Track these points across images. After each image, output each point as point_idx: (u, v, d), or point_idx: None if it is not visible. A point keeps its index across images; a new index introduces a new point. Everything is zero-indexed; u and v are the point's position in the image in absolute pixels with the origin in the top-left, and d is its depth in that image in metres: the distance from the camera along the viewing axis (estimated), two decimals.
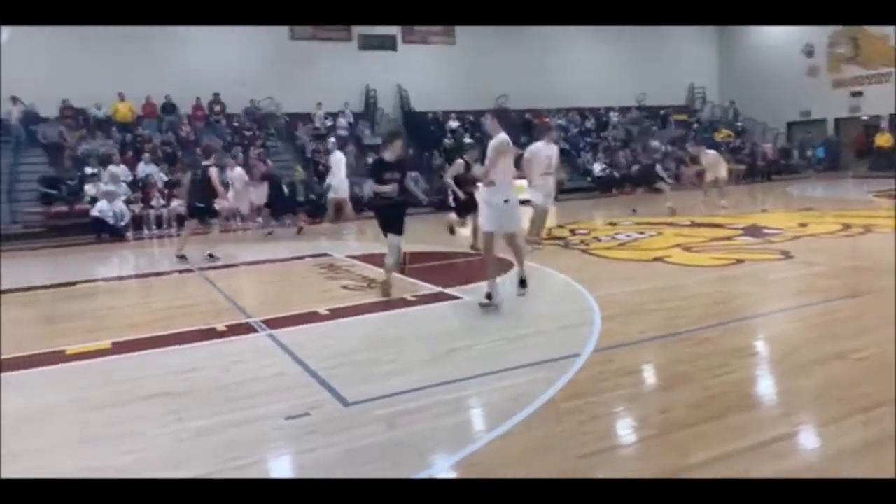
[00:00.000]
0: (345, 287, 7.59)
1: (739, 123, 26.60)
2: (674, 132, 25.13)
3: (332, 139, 18.62)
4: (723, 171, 14.37)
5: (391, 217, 6.90)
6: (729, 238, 9.83)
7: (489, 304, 6.10)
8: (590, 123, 24.80)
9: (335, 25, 21.84)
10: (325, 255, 10.14)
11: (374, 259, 8.93)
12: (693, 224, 11.76)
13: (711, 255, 8.42)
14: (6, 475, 3.05)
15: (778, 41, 25.86)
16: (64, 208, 15.77)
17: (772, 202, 16.47)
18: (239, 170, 14.86)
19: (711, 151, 15.09)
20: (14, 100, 17.58)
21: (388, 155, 6.97)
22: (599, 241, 10.42)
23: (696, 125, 26.11)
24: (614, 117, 25.21)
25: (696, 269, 7.74)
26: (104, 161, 16.78)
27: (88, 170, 16.44)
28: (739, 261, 7.96)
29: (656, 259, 8.40)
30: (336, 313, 6.29)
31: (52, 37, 17.04)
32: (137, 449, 3.46)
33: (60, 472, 3.21)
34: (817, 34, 24.55)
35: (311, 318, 6.15)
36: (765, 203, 16.21)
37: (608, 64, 25.49)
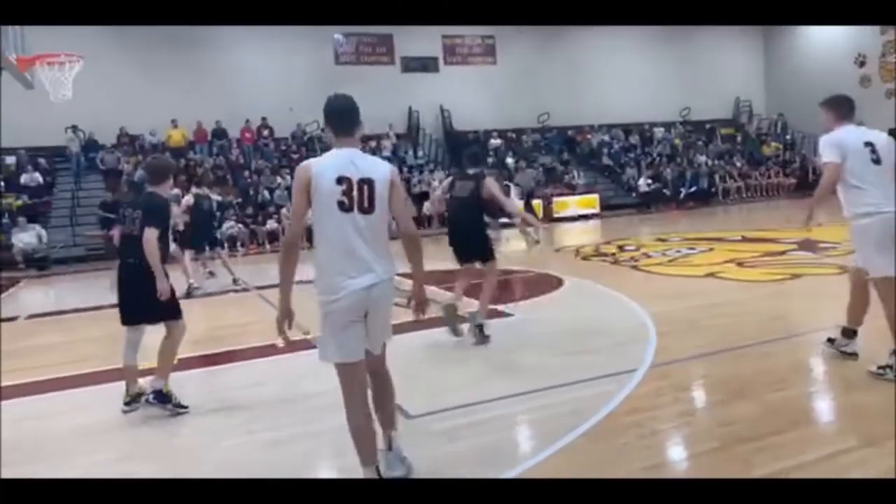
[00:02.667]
0: (397, 304, 7.70)
1: (788, 137, 26.10)
2: (720, 146, 24.81)
3: None
4: None
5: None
6: (783, 253, 9.67)
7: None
8: (634, 139, 24.66)
9: (376, 47, 22.27)
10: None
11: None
12: (744, 239, 11.59)
13: (765, 271, 8.30)
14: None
15: (827, 51, 25.34)
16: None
17: (825, 216, 16.06)
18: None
19: None
20: (74, 129, 18.45)
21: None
22: (649, 257, 10.36)
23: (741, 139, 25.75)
24: (658, 133, 25.02)
25: (750, 284, 7.65)
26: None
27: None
28: (795, 276, 7.83)
29: (709, 275, 8.32)
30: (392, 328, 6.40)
31: (109, 68, 17.81)
32: (212, 458, 3.63)
33: (139, 476, 3.39)
34: (869, 43, 24.00)
35: None
36: (818, 217, 15.81)
37: (651, 79, 25.33)
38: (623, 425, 3.71)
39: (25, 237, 15.17)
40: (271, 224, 17.32)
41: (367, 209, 2.89)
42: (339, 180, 2.86)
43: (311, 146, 20.99)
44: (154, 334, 4.61)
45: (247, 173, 19.32)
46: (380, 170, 3.00)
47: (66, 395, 5.03)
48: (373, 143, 21.48)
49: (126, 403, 4.48)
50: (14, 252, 14.87)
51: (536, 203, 18.50)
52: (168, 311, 4.44)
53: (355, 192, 2.87)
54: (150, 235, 4.28)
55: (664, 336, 5.48)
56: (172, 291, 4.45)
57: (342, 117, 3.10)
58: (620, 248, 11.67)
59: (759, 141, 25.87)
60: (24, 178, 17.41)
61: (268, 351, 5.88)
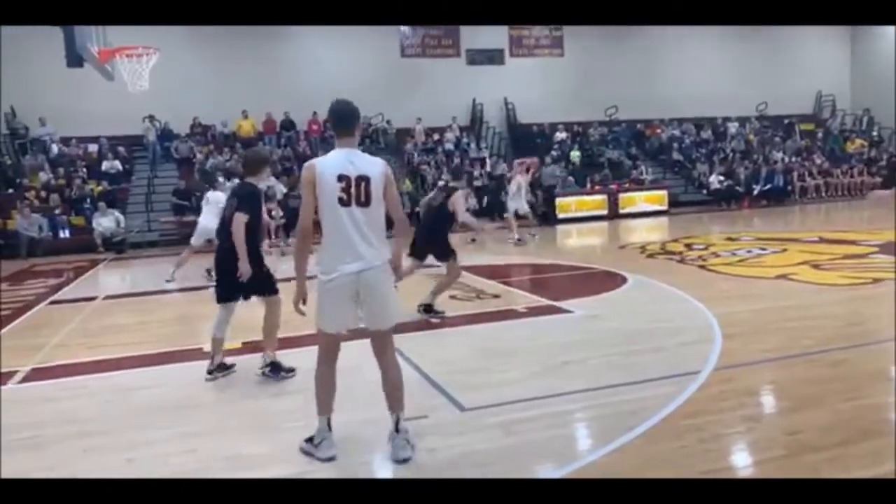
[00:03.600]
0: (453, 297, 7.72)
1: (875, 133, 24.72)
2: (799, 143, 23.73)
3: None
4: None
5: None
6: (863, 256, 9.17)
7: None
8: (706, 134, 23.86)
9: (440, 43, 22.27)
10: (433, 265, 10.34)
11: (481, 270, 9.04)
12: (822, 240, 11.06)
13: (843, 274, 7.89)
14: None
15: None
16: (194, 218, 16.99)
17: None
18: None
19: None
20: (151, 119, 19.25)
21: None
22: (718, 256, 10.01)
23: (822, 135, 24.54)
24: (732, 128, 24.12)
25: (825, 287, 7.29)
26: (229, 174, 17.96)
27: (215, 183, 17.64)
28: (876, 280, 7.41)
29: (781, 276, 7.98)
30: (447, 322, 6.42)
31: (184, 60, 18.46)
32: (270, 439, 3.71)
33: (207, 458, 3.50)
34: None
35: (423, 325, 6.31)
36: None
37: (726, 71, 24.39)
38: (683, 428, 3.59)
39: (105, 222, 15.93)
40: None
41: (364, 203, 3.27)
42: (340, 178, 3.25)
43: (375, 138, 21.22)
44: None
45: None
46: (375, 167, 3.34)
47: (140, 373, 5.24)
48: (435, 136, 21.57)
49: (209, 372, 4.89)
50: (95, 235, 15.66)
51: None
52: (264, 288, 4.83)
53: (353, 189, 3.24)
54: (239, 220, 4.58)
55: (730, 338, 5.29)
56: (268, 271, 4.87)
57: (341, 120, 3.46)
58: (688, 246, 11.32)
59: (843, 137, 24.59)
60: (104, 166, 18.30)
61: None
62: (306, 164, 3.38)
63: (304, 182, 3.32)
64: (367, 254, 3.28)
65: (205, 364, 5.15)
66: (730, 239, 12.07)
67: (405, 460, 3.31)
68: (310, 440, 3.47)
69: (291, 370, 4.84)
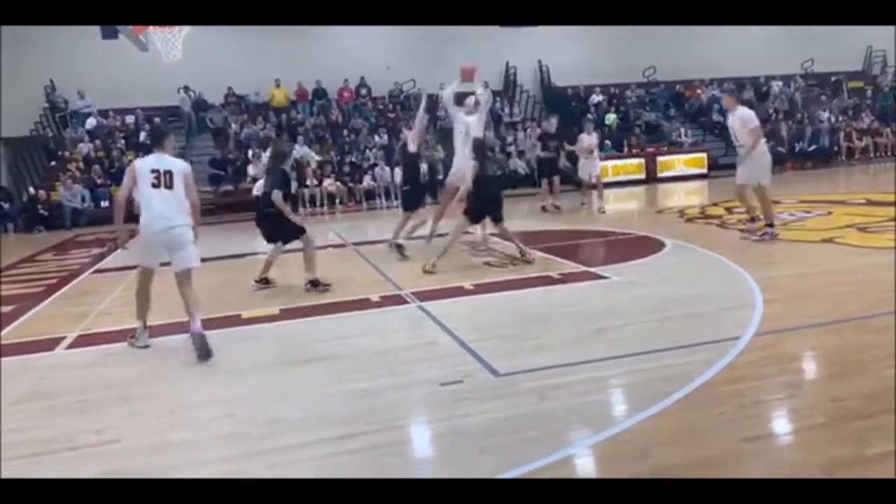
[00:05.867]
0: (487, 263, 7.69)
1: None
2: (846, 101, 22.81)
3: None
4: None
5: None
6: None
7: None
8: (748, 94, 23.06)
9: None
10: (467, 231, 10.27)
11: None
12: (869, 202, 10.67)
13: (890, 237, 7.61)
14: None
15: None
16: (230, 187, 17.21)
17: None
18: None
19: None
20: (186, 89, 19.40)
21: None
22: (760, 219, 9.74)
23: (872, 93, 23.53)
24: (776, 87, 23.27)
25: (872, 251, 7.04)
26: (263, 144, 18.07)
27: (250, 152, 17.81)
28: None
29: (825, 240, 7.73)
30: (481, 288, 6.40)
31: (216, 30, 18.43)
32: (306, 405, 3.77)
33: (247, 423, 3.57)
34: None
35: (458, 292, 6.31)
36: None
37: (768, 28, 23.44)
38: (723, 394, 3.53)
39: None
40: (368, 182, 17.63)
41: (169, 186, 4.95)
42: (153, 171, 4.95)
43: (407, 104, 21.07)
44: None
45: (345, 132, 19.69)
46: (177, 164, 5.07)
47: (180, 339, 5.34)
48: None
49: (256, 281, 6.93)
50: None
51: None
52: (298, 232, 6.71)
53: (162, 177, 4.94)
54: (277, 196, 6.53)
55: (771, 304, 5.16)
56: (298, 223, 6.75)
57: (155, 138, 5.37)
58: (728, 210, 11.04)
59: (893, 95, 23.57)
60: (142, 136, 18.54)
61: (361, 304, 6.04)
62: (131, 164, 5.20)
63: (127, 172, 5.13)
64: (176, 218, 4.95)
65: (242, 329, 5.26)
66: (773, 202, 11.71)
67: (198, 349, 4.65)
68: (133, 336, 5.11)
69: (328, 286, 6.60)
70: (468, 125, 8.07)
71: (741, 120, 7.91)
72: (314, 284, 6.60)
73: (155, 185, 4.93)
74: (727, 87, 23.08)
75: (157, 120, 19.14)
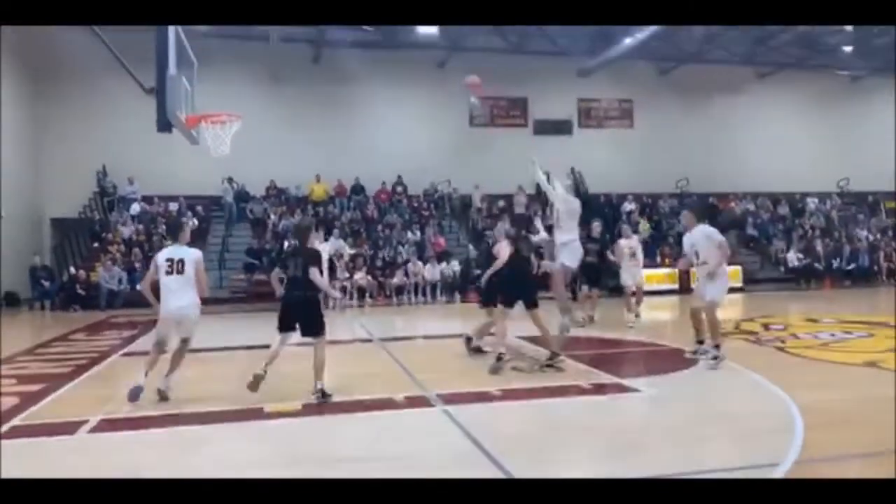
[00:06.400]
0: (515, 368, 7.53)
1: None
2: (885, 221, 22.65)
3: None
4: None
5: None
6: None
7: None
8: (783, 209, 23.13)
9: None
10: (492, 333, 10.15)
11: (545, 341, 8.81)
12: None
13: None
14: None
15: None
16: (264, 277, 17.46)
17: None
18: None
19: None
20: (230, 180, 20.19)
21: None
22: (798, 338, 9.48)
23: None
24: (811, 203, 23.30)
25: None
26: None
27: (286, 243, 18.18)
28: None
29: (868, 363, 7.44)
30: (508, 394, 6.24)
31: (262, 125, 19.27)
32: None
33: None
34: None
35: (484, 397, 6.14)
36: None
37: (804, 144, 23.76)
38: None
39: None
40: (399, 277, 17.76)
41: (180, 272, 5.97)
42: (168, 260, 5.99)
43: (441, 204, 21.55)
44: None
45: (379, 227, 20.10)
46: (189, 253, 6.08)
47: (202, 429, 5.26)
48: (501, 203, 21.75)
49: (262, 371, 6.05)
50: None
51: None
52: (320, 329, 6.19)
53: (175, 265, 5.96)
54: (315, 274, 6.12)
55: (812, 429, 4.89)
56: (322, 317, 6.25)
57: (172, 230, 6.67)
58: (765, 326, 10.79)
59: None
60: (161, 228, 19.14)
61: (385, 405, 5.91)
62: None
63: (152, 262, 6.24)
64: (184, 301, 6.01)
65: (265, 423, 5.17)
66: (811, 320, 11.44)
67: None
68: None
69: (330, 395, 5.94)
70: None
71: (706, 236, 7.46)
72: (323, 395, 5.93)
73: (168, 273, 5.96)
74: (761, 202, 23.23)
75: (199, 208, 19.90)
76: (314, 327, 6.14)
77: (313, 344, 6.13)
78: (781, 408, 5.54)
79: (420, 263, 17.61)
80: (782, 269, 20.04)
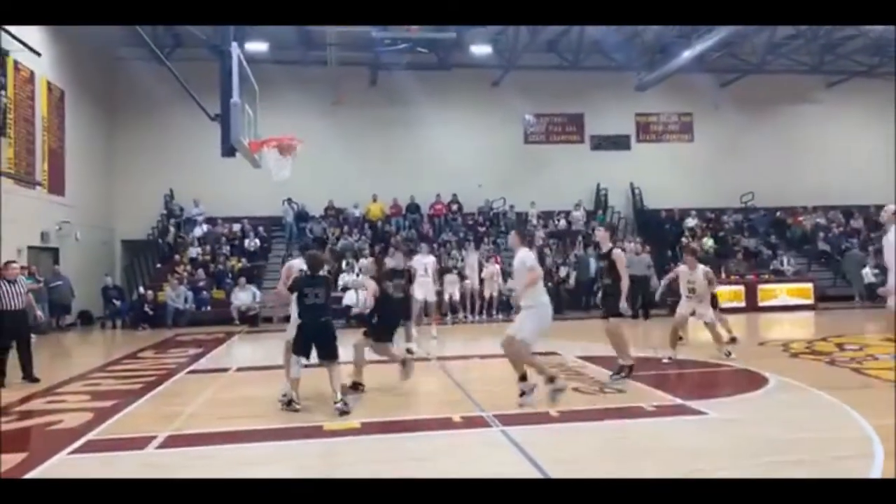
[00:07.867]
0: (576, 389, 7.38)
1: None
2: None
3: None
4: None
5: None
6: None
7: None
8: (857, 223, 22.10)
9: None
10: (554, 353, 10.00)
11: (603, 361, 8.64)
12: None
13: None
14: None
15: None
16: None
17: None
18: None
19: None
20: (290, 201, 20.71)
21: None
22: (876, 359, 8.99)
23: None
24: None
25: None
26: (357, 255, 18.74)
27: (344, 262, 18.46)
28: None
29: None
30: (567, 416, 6.12)
31: (321, 147, 19.68)
32: None
33: None
34: None
35: (543, 418, 6.05)
36: None
37: (879, 155, 22.62)
38: None
39: (243, 296, 17.04)
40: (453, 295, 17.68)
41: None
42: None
43: (496, 221, 21.51)
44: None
45: (435, 245, 20.15)
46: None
47: (263, 447, 5.35)
48: (558, 218, 21.61)
49: (287, 402, 6.49)
50: (231, 309, 16.74)
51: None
52: (334, 353, 6.61)
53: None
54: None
55: (893, 456, 4.61)
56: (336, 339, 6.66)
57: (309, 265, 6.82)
58: (840, 346, 10.29)
59: None
60: (246, 243, 19.74)
61: (442, 424, 5.89)
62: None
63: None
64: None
65: (325, 441, 5.21)
66: (889, 340, 10.82)
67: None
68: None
69: (348, 410, 6.26)
70: None
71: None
72: (345, 406, 6.30)
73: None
74: (832, 215, 22.25)
75: (260, 228, 20.48)
76: (332, 351, 6.56)
77: (328, 366, 6.53)
78: (859, 433, 5.25)
79: (476, 281, 17.53)
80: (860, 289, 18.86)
